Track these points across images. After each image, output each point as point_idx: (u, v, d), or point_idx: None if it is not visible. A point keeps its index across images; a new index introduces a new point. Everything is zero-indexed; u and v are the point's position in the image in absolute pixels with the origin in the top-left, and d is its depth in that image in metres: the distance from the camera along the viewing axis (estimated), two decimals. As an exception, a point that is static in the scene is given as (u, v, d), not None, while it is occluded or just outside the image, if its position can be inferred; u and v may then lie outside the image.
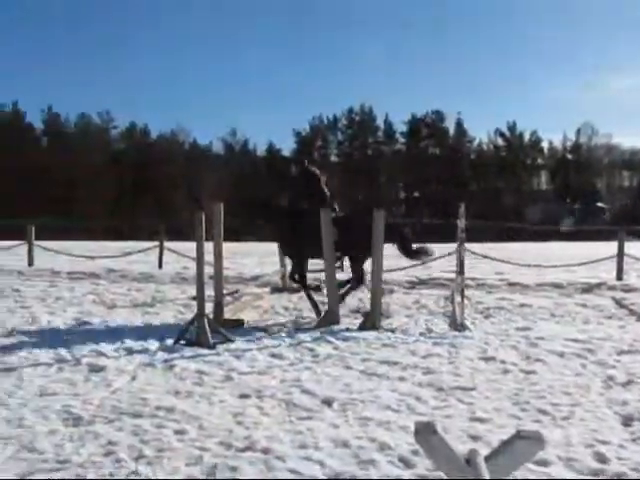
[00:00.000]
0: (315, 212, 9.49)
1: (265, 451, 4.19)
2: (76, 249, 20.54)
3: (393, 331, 8.55)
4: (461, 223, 9.64)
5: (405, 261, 16.01)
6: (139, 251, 19.29)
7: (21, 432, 4.64)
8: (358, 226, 9.66)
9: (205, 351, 7.33)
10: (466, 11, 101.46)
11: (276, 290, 12.86)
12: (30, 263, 18.10)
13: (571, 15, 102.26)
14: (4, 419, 4.95)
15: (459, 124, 79.19)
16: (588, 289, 12.97)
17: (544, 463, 3.91)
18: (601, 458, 4.08)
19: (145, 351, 7.31)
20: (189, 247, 19.32)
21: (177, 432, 4.59)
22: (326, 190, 10.43)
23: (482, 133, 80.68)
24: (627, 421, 4.84)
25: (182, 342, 7.71)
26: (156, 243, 19.05)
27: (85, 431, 4.65)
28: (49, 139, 75.60)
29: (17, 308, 10.61)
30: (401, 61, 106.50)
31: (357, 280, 10.19)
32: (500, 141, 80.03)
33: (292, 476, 3.85)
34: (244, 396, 5.53)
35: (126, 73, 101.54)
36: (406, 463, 4.00)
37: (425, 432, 3.10)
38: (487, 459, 3.10)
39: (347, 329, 8.64)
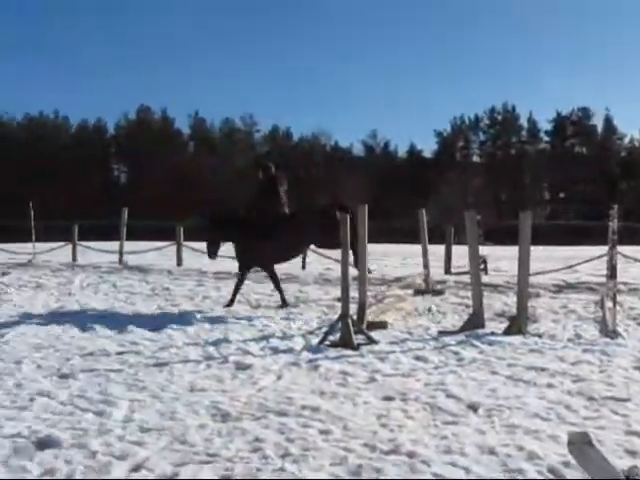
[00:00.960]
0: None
1: (410, 455, 4.15)
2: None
3: (540, 336, 8.28)
4: (613, 225, 9.21)
5: (551, 264, 15.59)
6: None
7: (173, 424, 4.85)
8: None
9: (349, 352, 7.38)
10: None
11: (419, 292, 12.78)
12: (179, 263, 18.86)
13: None
14: (158, 411, 5.19)
15: (608, 121, 75.74)
16: None
17: None
18: None
19: (290, 351, 7.46)
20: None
21: (322, 432, 4.64)
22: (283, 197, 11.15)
23: (634, 130, 76.09)
24: None
25: (326, 343, 7.81)
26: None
27: (233, 427, 4.79)
28: (195, 144, 78.61)
29: (167, 306, 11.10)
30: (544, 58, 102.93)
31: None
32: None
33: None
34: (388, 398, 5.52)
35: (270, 76, 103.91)
36: (556, 474, 3.85)
37: (579, 443, 2.98)
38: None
39: (492, 333, 8.44)
